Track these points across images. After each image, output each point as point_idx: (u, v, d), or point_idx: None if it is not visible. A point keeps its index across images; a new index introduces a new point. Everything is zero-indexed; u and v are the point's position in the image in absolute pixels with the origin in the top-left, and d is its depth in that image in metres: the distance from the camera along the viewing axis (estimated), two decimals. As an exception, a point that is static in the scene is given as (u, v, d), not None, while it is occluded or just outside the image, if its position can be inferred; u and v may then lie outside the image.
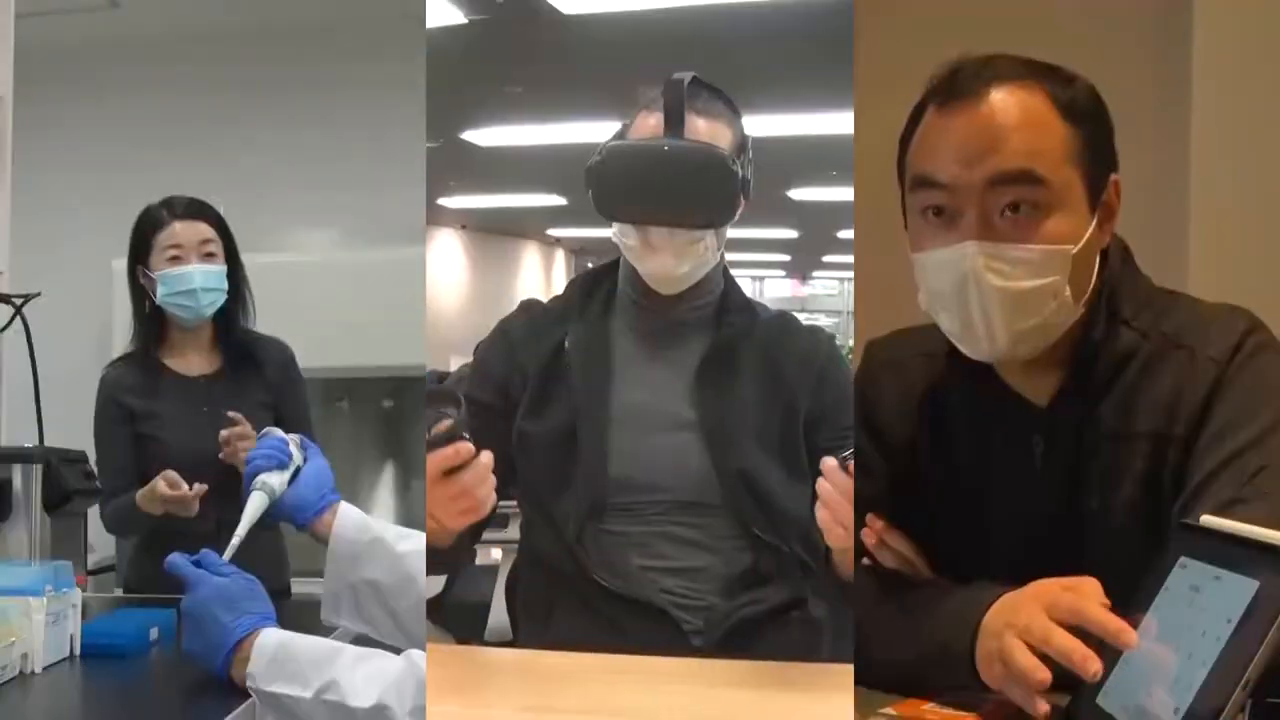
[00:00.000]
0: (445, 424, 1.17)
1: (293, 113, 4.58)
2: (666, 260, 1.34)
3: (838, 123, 5.28)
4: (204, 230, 2.35)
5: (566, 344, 1.39)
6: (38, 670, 1.42)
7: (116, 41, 4.65)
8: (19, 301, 2.14)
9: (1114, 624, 0.96)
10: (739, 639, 1.32)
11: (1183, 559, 0.95)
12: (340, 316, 3.72)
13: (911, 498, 1.32)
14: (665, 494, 1.35)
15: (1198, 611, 0.89)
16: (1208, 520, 0.97)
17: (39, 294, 2.16)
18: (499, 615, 2.42)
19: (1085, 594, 1.01)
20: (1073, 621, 0.99)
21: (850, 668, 1.13)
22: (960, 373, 1.27)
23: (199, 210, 2.37)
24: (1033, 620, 1.01)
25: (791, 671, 1.27)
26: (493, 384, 1.43)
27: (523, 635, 1.43)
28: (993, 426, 1.26)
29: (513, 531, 3.52)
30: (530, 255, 10.69)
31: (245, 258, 2.47)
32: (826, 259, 12.39)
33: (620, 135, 1.39)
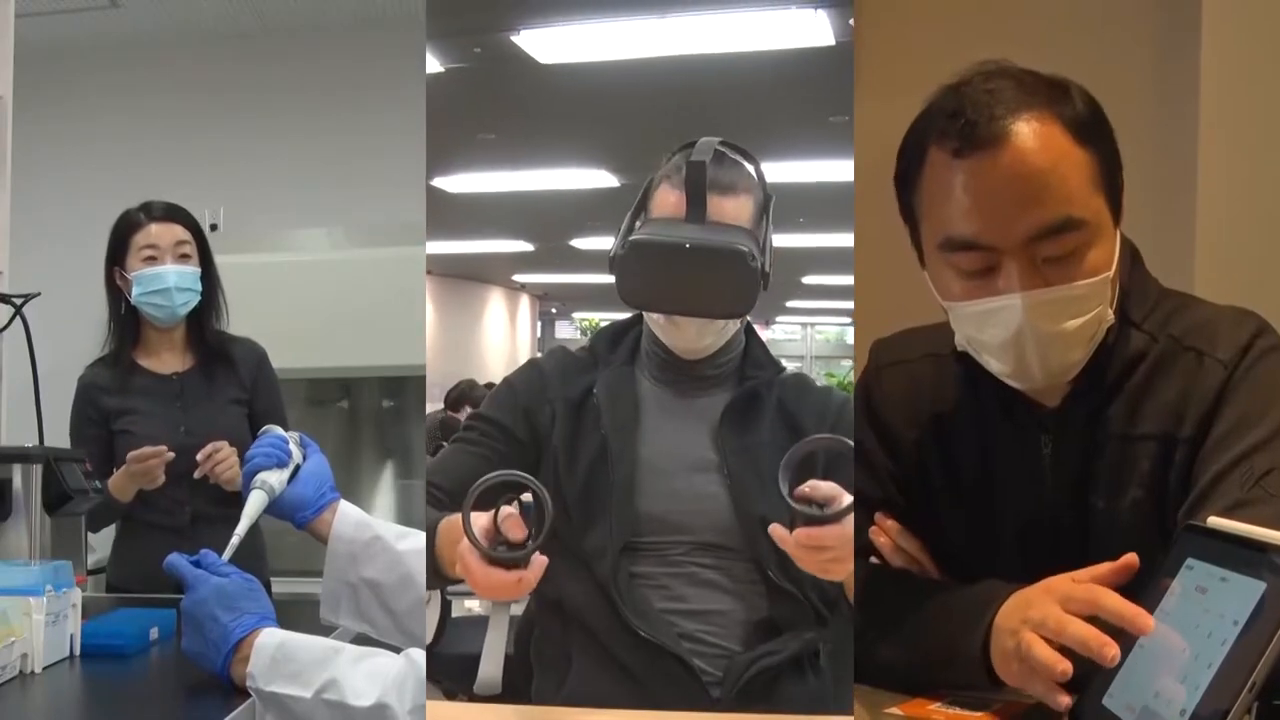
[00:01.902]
0: (516, 526, 1.10)
1: (292, 113, 4.58)
2: (689, 338, 1.36)
3: (804, 171, 5.33)
4: (179, 233, 2.41)
5: (595, 389, 1.40)
6: (37, 670, 1.41)
7: (116, 41, 4.65)
8: (19, 301, 2.14)
9: (1130, 610, 0.96)
10: (757, 690, 1.32)
11: (1189, 560, 0.95)
12: (340, 316, 3.72)
13: (918, 497, 1.32)
14: (687, 535, 1.35)
15: (1204, 613, 0.89)
16: (1214, 522, 0.97)
17: (39, 294, 2.16)
18: (488, 668, 2.43)
19: (1098, 584, 1.01)
20: (1089, 612, 0.98)
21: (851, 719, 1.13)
22: (969, 373, 1.27)
23: (175, 214, 2.44)
24: (1047, 613, 1.01)
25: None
26: (521, 410, 1.42)
27: (538, 688, 1.43)
28: (1001, 426, 1.26)
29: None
30: (495, 301, 10.72)
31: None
32: (790, 304, 12.57)
33: (641, 206, 1.39)
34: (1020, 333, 1.13)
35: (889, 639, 1.16)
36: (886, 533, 1.29)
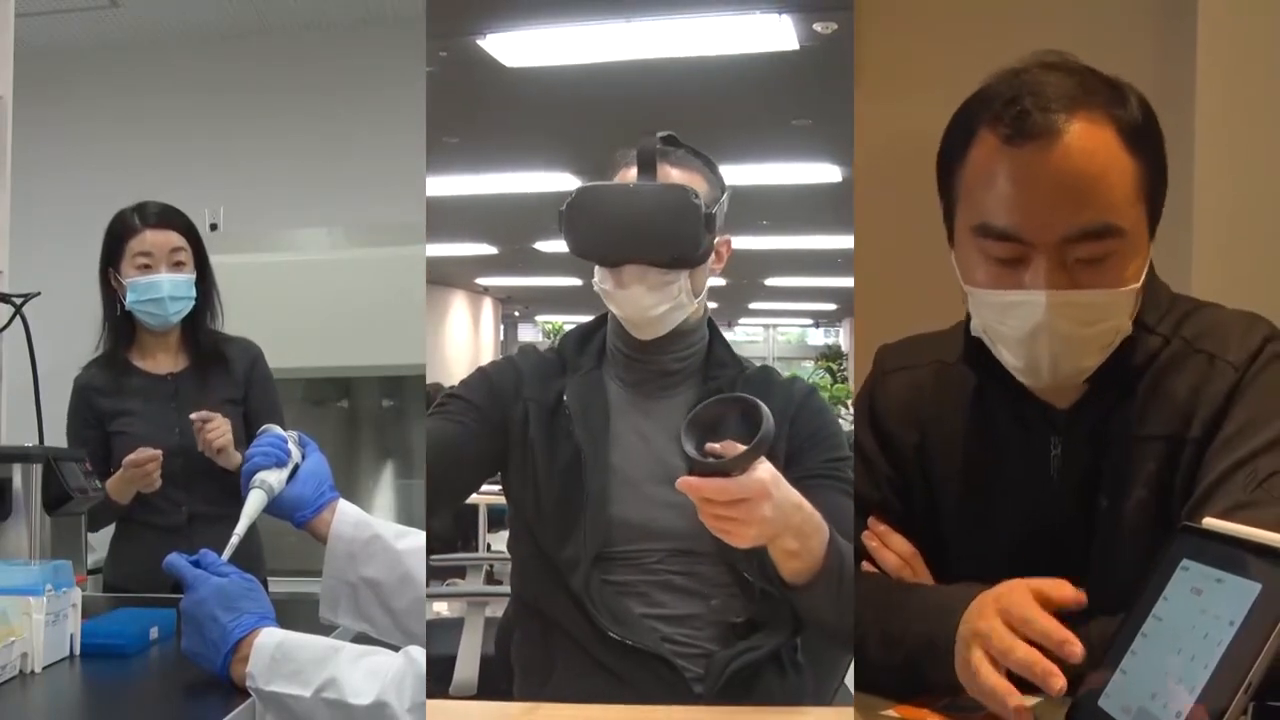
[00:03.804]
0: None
1: (292, 113, 4.58)
2: (640, 297, 1.35)
3: (769, 173, 5.37)
4: (174, 239, 2.41)
5: (565, 397, 1.40)
6: (37, 670, 1.42)
7: (116, 41, 4.65)
8: (19, 301, 2.14)
9: (1058, 634, 0.95)
10: (738, 686, 1.33)
11: (1185, 561, 0.95)
12: (340, 316, 3.73)
13: (918, 503, 1.32)
14: (661, 542, 1.36)
15: (1199, 614, 0.89)
16: (1210, 523, 0.97)
17: (39, 294, 2.16)
18: (464, 670, 2.43)
19: (1043, 597, 1.00)
20: (1023, 631, 0.98)
21: (850, 710, 1.13)
22: (978, 378, 1.27)
23: (170, 218, 2.43)
24: (993, 629, 1.00)
25: (794, 716, 1.30)
26: (494, 396, 1.43)
27: (521, 688, 1.43)
28: (1009, 430, 1.26)
29: (471, 583, 3.50)
30: (458, 304, 10.69)
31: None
32: (753, 306, 12.58)
33: None
34: (1037, 330, 1.13)
35: (874, 639, 1.17)
36: (879, 536, 1.29)
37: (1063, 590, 1.01)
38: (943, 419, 1.31)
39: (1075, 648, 0.94)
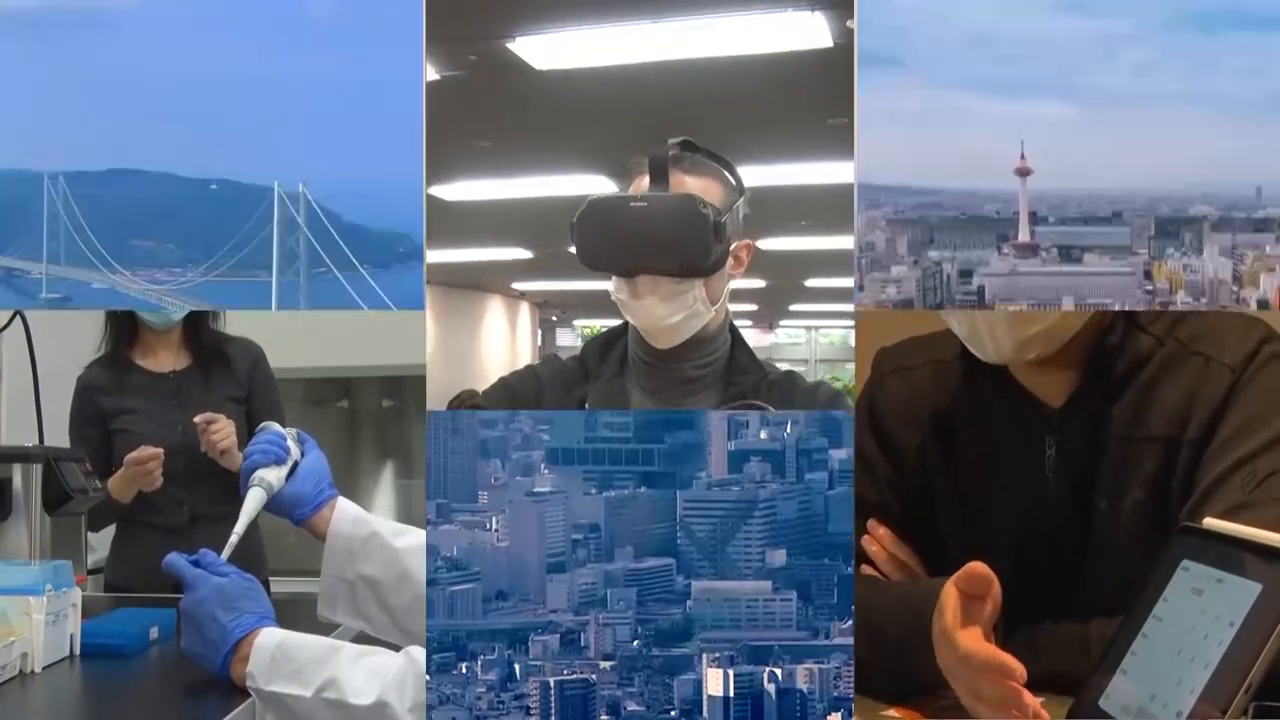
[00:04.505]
0: None
1: (293, 112, 4.57)
2: (653, 307, 1.35)
3: (808, 173, 5.34)
4: None
5: (586, 405, 1.40)
6: (37, 670, 1.42)
7: (117, 40, 4.65)
8: (19, 300, 2.14)
9: (995, 661, 0.96)
10: None
11: (1185, 562, 0.95)
12: (340, 316, 3.72)
13: (917, 503, 1.32)
14: None
15: (1200, 614, 0.89)
16: (1210, 523, 0.97)
17: (39, 293, 2.16)
18: None
19: (966, 599, 1.02)
20: (969, 668, 0.99)
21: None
22: (973, 376, 1.28)
23: None
24: (954, 675, 1.02)
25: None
26: (514, 404, 1.44)
27: None
28: (1005, 427, 1.27)
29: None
30: (494, 309, 10.67)
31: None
32: (794, 308, 12.58)
33: None
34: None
35: (862, 638, 1.17)
36: (878, 540, 1.29)
37: (975, 581, 1.03)
38: (941, 416, 1.32)
39: (1015, 670, 0.95)
